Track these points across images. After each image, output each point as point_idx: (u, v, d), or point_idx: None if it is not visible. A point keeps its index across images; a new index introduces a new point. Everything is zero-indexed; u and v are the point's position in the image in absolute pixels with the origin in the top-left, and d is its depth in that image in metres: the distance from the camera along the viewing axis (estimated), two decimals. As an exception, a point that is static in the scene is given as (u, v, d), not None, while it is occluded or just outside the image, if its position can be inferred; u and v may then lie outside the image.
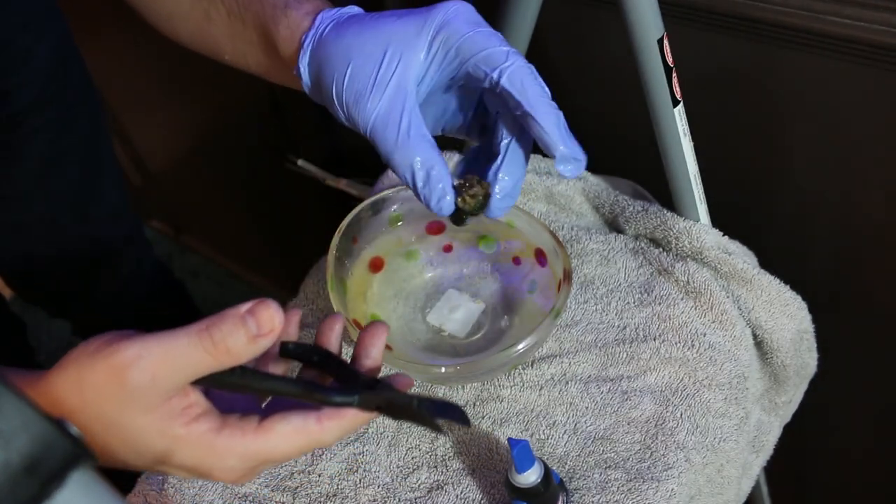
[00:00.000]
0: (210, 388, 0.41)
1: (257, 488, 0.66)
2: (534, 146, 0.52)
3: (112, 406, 0.39)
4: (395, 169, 0.50)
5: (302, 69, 0.53)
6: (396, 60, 0.48)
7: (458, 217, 0.51)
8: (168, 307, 1.17)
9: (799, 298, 0.73)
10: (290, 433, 0.41)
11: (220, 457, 0.41)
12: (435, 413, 0.41)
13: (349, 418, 0.42)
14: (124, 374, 0.38)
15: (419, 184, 0.49)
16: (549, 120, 0.47)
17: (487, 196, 0.50)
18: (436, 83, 0.51)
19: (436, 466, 0.65)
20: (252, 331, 0.39)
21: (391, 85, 0.48)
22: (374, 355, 0.45)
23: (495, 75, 0.47)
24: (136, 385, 0.38)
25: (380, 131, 0.49)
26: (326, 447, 0.44)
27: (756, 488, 0.86)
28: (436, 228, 0.75)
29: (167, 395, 0.39)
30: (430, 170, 0.49)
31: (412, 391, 0.43)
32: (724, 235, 0.74)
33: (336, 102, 0.51)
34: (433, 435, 0.66)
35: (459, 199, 0.50)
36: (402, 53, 0.48)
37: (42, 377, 0.40)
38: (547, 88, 0.49)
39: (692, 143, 0.71)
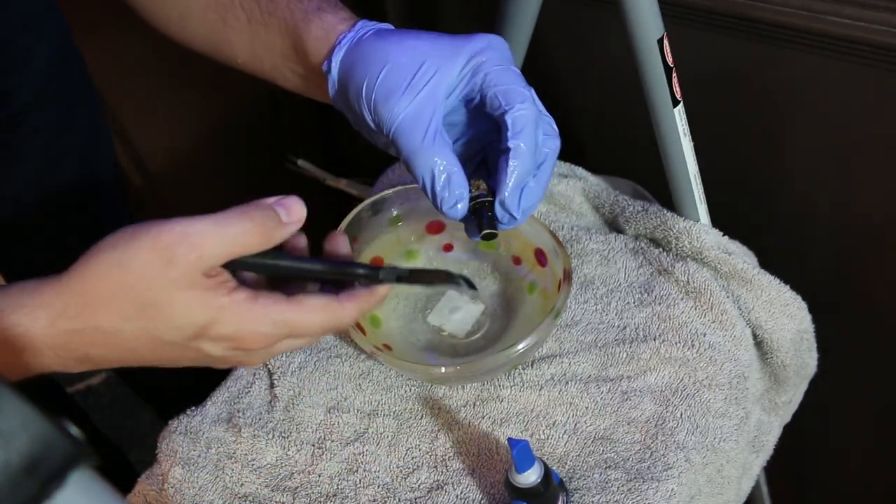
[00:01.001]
0: (244, 270, 0.45)
1: (257, 488, 0.66)
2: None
3: (156, 286, 0.42)
4: (413, 169, 0.51)
5: (333, 64, 0.55)
6: (433, 71, 0.51)
7: (479, 220, 0.53)
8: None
9: (799, 298, 0.73)
10: (318, 307, 0.45)
11: (257, 322, 0.44)
12: (444, 277, 0.49)
13: (364, 298, 0.47)
14: (172, 251, 0.41)
15: (438, 187, 0.51)
16: (519, 168, 0.50)
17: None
18: (454, 102, 0.53)
19: (436, 466, 0.65)
20: (283, 217, 0.44)
21: (424, 90, 0.51)
22: (345, 253, 0.51)
23: (507, 108, 0.50)
24: (183, 262, 0.42)
25: (406, 131, 0.51)
26: (343, 328, 0.51)
27: (756, 488, 0.86)
28: (436, 228, 0.75)
29: (208, 272, 0.43)
30: (450, 174, 0.51)
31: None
32: (724, 235, 0.74)
33: (364, 97, 0.52)
34: (433, 435, 0.66)
35: (473, 205, 0.52)
36: (439, 67, 0.51)
37: (65, 276, 0.43)
38: (545, 144, 0.52)
39: (692, 143, 0.71)
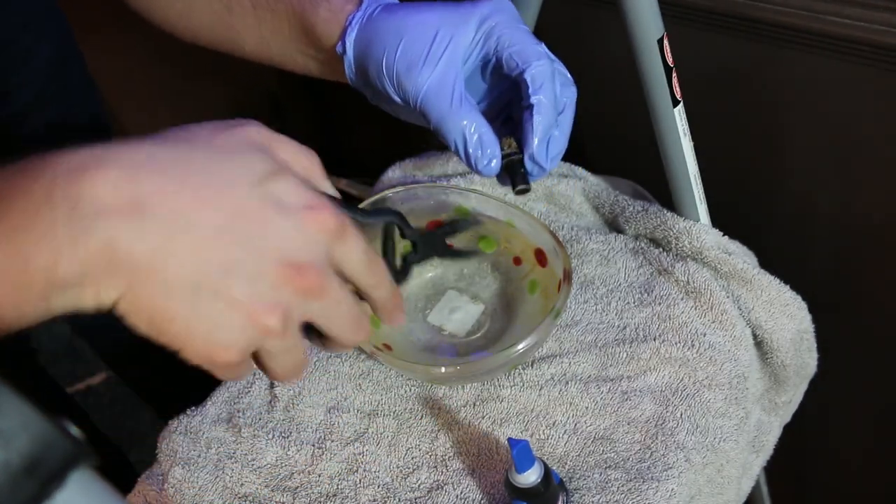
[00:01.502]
0: None
1: (257, 488, 0.66)
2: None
3: (223, 138, 0.41)
4: (444, 134, 0.53)
5: (348, 45, 0.57)
6: (448, 39, 0.53)
7: (513, 177, 0.55)
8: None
9: (799, 298, 0.73)
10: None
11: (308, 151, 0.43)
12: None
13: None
14: (243, 125, 0.42)
15: (470, 147, 0.53)
16: (543, 122, 0.52)
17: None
18: (472, 67, 0.55)
19: (436, 466, 0.65)
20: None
21: (443, 59, 0.53)
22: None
23: (524, 67, 0.52)
24: (253, 129, 0.42)
25: (432, 98, 0.53)
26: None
27: (756, 488, 0.85)
28: (436, 228, 0.75)
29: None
30: (481, 134, 0.53)
31: None
32: (724, 235, 0.74)
33: (385, 74, 0.54)
34: (433, 435, 0.66)
35: (504, 162, 0.54)
36: (452, 35, 0.53)
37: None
38: (562, 94, 0.54)
39: (692, 143, 0.71)
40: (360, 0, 0.57)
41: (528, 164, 0.54)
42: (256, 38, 0.62)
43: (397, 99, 0.55)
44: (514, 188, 0.55)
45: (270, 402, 0.71)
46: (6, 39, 0.73)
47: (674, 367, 0.67)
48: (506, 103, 0.58)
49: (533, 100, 0.52)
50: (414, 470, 0.65)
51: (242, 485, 0.66)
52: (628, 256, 0.75)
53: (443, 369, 0.64)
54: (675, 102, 0.68)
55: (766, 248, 0.79)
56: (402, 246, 0.53)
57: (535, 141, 0.53)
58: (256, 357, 0.40)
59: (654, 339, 0.69)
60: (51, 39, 0.78)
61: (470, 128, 0.53)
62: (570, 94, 0.55)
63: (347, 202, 0.52)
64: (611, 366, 0.68)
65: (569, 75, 0.55)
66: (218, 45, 0.65)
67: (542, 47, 0.53)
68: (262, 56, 0.64)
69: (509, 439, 0.55)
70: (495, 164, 0.54)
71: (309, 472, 0.66)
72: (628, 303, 0.72)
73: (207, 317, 0.36)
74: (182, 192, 0.36)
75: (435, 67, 0.53)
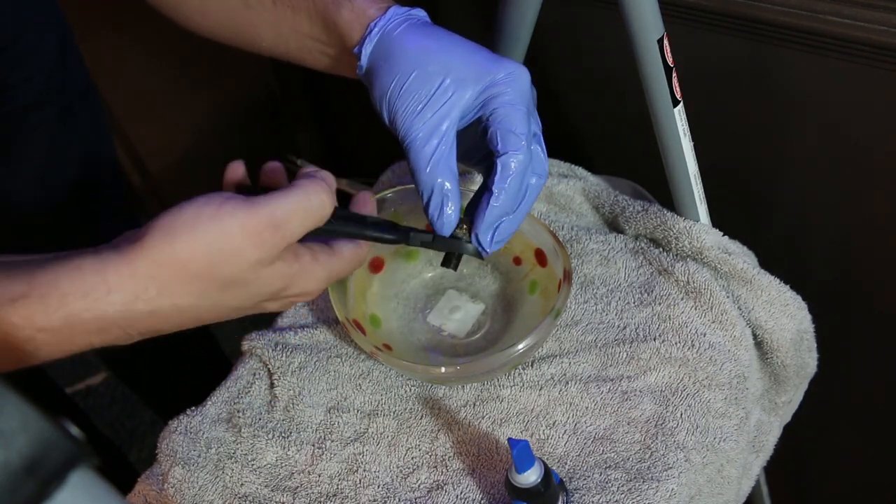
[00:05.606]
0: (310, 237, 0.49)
1: (257, 488, 0.66)
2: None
3: (243, 266, 0.45)
4: (416, 182, 0.55)
5: (364, 53, 0.57)
6: (451, 92, 0.53)
7: (448, 254, 0.58)
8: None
9: (799, 298, 0.73)
10: (350, 254, 0.52)
11: (319, 279, 0.50)
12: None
13: (368, 247, 0.55)
14: (261, 235, 0.44)
15: (431, 206, 0.55)
16: (497, 210, 0.54)
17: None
18: (469, 120, 0.55)
19: (436, 466, 0.65)
20: (329, 184, 0.49)
21: (440, 112, 0.53)
22: (371, 211, 0.56)
23: (501, 153, 0.53)
24: (270, 243, 0.45)
25: (416, 149, 0.54)
26: (359, 266, 0.55)
27: (756, 488, 0.85)
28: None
29: (285, 249, 0.46)
30: (444, 199, 0.54)
31: None
32: (724, 235, 0.74)
33: (387, 103, 0.55)
34: (433, 435, 0.66)
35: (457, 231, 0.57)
36: (456, 90, 0.53)
37: (133, 255, 0.43)
38: (531, 180, 0.55)
39: (692, 143, 0.71)
40: (386, 8, 0.57)
41: (473, 241, 0.56)
42: (274, 33, 0.62)
43: (386, 123, 0.56)
44: (442, 262, 0.58)
45: (270, 402, 0.71)
46: (14, 34, 0.73)
47: (674, 367, 0.67)
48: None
49: (494, 188, 0.53)
50: (414, 470, 0.65)
51: (242, 485, 0.66)
52: (628, 256, 0.75)
53: (443, 369, 0.64)
54: (675, 102, 0.68)
55: (766, 248, 0.79)
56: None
57: (483, 225, 0.55)
58: None
59: (654, 339, 0.69)
60: (55, 36, 0.78)
61: (439, 188, 0.54)
62: (537, 185, 0.56)
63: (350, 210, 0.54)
64: (611, 366, 0.68)
65: (546, 165, 0.56)
66: (234, 39, 0.65)
67: (525, 139, 0.53)
68: (278, 51, 0.64)
69: (509, 439, 0.54)
70: (446, 230, 0.55)
71: (309, 472, 0.66)
72: (628, 303, 0.72)
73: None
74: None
75: (430, 117, 0.53)
